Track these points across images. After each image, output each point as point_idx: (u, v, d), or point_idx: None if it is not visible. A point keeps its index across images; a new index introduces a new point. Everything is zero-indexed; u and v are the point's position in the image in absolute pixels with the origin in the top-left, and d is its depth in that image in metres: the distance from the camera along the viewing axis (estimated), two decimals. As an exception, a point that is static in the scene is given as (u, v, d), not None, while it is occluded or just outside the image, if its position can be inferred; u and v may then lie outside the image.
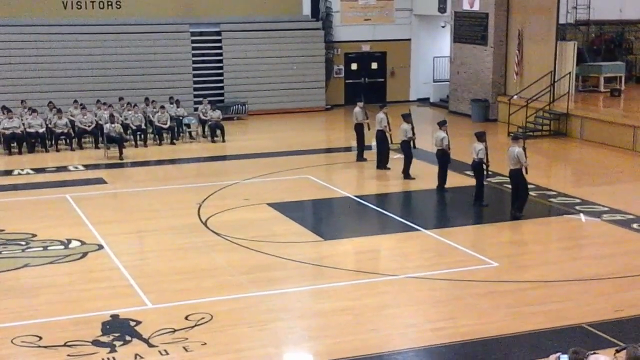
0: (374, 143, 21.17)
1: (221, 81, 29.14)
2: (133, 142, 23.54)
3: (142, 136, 23.77)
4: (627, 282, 12.59)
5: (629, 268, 13.12)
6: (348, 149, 23.12)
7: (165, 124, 24.13)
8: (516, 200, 16.17)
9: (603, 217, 16.03)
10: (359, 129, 21.29)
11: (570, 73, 25.11)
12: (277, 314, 11.67)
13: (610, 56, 28.75)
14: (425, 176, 19.06)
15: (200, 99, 26.62)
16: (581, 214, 16.33)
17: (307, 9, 30.62)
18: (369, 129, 21.05)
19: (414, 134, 19.26)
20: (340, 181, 19.67)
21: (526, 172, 16.00)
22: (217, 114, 25.06)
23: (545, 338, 10.60)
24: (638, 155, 21.67)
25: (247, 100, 28.82)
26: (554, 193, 17.96)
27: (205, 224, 15.95)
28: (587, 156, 22.29)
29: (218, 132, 24.55)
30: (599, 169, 20.69)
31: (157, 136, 23.99)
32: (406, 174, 19.36)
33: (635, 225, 15.41)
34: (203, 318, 11.31)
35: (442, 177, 18.25)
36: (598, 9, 28.58)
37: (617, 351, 7.73)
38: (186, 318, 11.31)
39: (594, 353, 7.58)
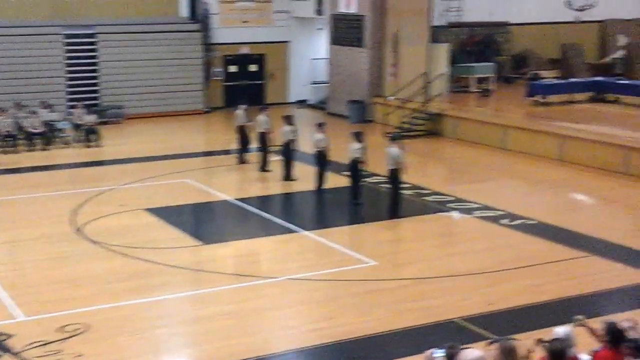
0: (255, 145, 21.18)
1: (96, 84, 28.46)
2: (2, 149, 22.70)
3: (13, 142, 22.95)
4: (498, 276, 13.05)
5: (500, 263, 13.61)
6: (228, 152, 23.03)
7: (38, 129, 23.40)
8: (392, 200, 16.49)
9: (475, 214, 16.57)
10: (241, 131, 21.23)
11: (443, 74, 25.81)
12: (157, 322, 11.52)
13: (481, 57, 29.72)
14: (305, 178, 19.20)
15: (74, 103, 25.95)
16: (454, 211, 16.82)
17: (184, 11, 30.29)
18: (251, 131, 21.02)
19: (295, 136, 19.36)
20: (220, 184, 19.58)
21: (404, 173, 16.34)
22: (92, 118, 24.48)
23: (421, 334, 10.88)
24: (508, 153, 22.51)
25: (123, 103, 28.27)
26: (429, 191, 18.43)
27: (81, 231, 15.56)
28: (460, 155, 22.99)
29: (93, 136, 23.99)
30: (471, 168, 21.36)
31: (29, 142, 23.22)
32: (287, 176, 19.46)
33: (504, 221, 16.00)
34: (79, 328, 11.04)
35: (320, 178, 18.44)
36: (469, 11, 29.55)
37: (489, 344, 7.99)
38: (61, 329, 11.00)
39: (466, 348, 7.80)
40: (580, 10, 29.44)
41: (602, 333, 8.03)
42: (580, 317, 8.35)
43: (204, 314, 11.77)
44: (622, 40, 32.33)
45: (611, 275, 13.06)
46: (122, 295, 12.35)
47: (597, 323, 8.17)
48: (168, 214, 16.79)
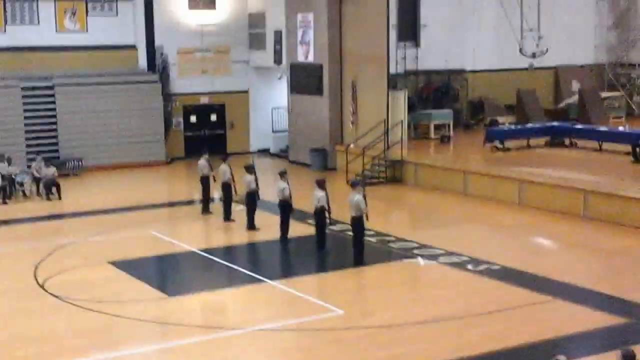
0: (218, 195, 21.12)
1: (55, 137, 28.26)
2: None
3: (-29, 196, 22.67)
4: (466, 322, 13.10)
5: (466, 308, 13.68)
6: (191, 202, 22.95)
7: (-4, 182, 23.16)
8: (356, 247, 16.53)
9: (440, 260, 16.66)
10: (204, 181, 21.18)
11: (402, 121, 26.11)
12: (123, 377, 11.36)
13: (439, 104, 30.15)
14: (268, 226, 19.17)
15: (34, 155, 25.73)
16: (419, 258, 16.91)
17: (143, 62, 30.35)
18: (214, 180, 20.99)
19: (257, 185, 19.39)
20: (184, 235, 19.47)
21: (367, 219, 16.43)
22: (52, 170, 24.25)
23: (391, 382, 10.86)
24: (469, 198, 22.75)
25: (83, 155, 28.07)
26: (393, 238, 18.51)
27: (42, 286, 15.32)
28: (422, 201, 23.17)
29: (54, 189, 23.75)
30: (433, 213, 21.53)
31: (-13, 196, 22.94)
32: (250, 225, 19.42)
33: (469, 267, 16.11)
34: (44, 386, 10.84)
35: (284, 227, 18.43)
36: (425, 59, 30.03)
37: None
38: (26, 388, 10.79)
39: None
40: (533, 57, 30.12)
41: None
42: (562, 357, 8.38)
43: (171, 368, 11.64)
44: (575, 85, 33.11)
45: (576, 318, 13.18)
46: (87, 351, 12.15)
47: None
48: (132, 266, 16.62)
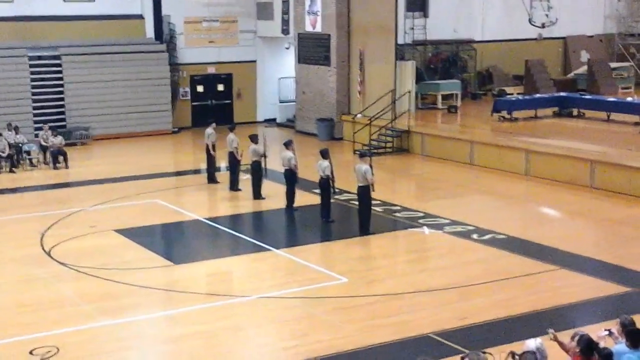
0: (225, 165, 21.12)
1: (62, 106, 28.27)
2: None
3: (-21, 165, 22.74)
4: (470, 290, 13.13)
5: (471, 277, 13.70)
6: (197, 172, 22.97)
7: (4, 151, 23.18)
8: (362, 217, 16.54)
9: (445, 229, 16.67)
10: (210, 150, 21.12)
11: (409, 91, 26.02)
12: (128, 343, 11.45)
13: (447, 74, 30.00)
14: (275, 196, 19.21)
15: (41, 124, 25.78)
16: (424, 227, 16.92)
17: (150, 32, 30.24)
18: (213, 151, 20.91)
19: (265, 154, 19.37)
20: (190, 204, 19.51)
21: (373, 189, 16.42)
22: (59, 139, 24.30)
23: (395, 349, 10.91)
24: (475, 168, 22.71)
25: (90, 125, 28.10)
26: (399, 208, 18.52)
27: (49, 253, 15.41)
28: (429, 171, 23.14)
29: (61, 158, 23.81)
30: (439, 183, 21.51)
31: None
32: (257, 194, 19.44)
33: (474, 236, 16.11)
34: (49, 351, 10.93)
35: (290, 196, 18.45)
36: (434, 29, 29.85)
37: (462, 358, 8.05)
38: (31, 353, 10.89)
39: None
40: (543, 27, 29.90)
41: (572, 346, 8.12)
42: (551, 331, 8.44)
43: (176, 334, 11.71)
44: (584, 56, 32.88)
45: (580, 288, 13.21)
46: (92, 317, 12.24)
47: (567, 337, 8.25)
48: (138, 234, 16.69)
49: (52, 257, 15.19)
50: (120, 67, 28.94)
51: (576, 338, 8.03)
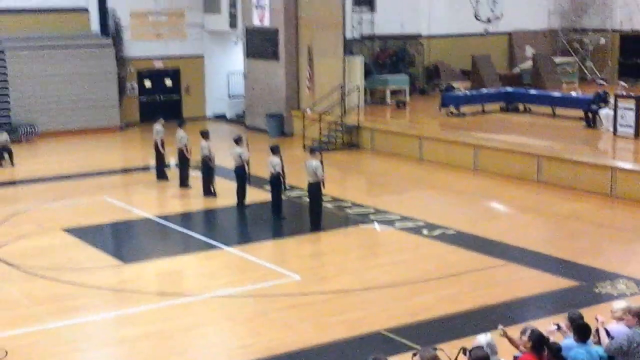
0: (173, 161, 20.96)
1: (7, 102, 27.75)
2: None
3: None
4: (421, 286, 13.28)
5: (422, 273, 13.85)
6: (147, 169, 22.76)
7: (-53, 149, 22.73)
8: (313, 213, 16.59)
9: (395, 225, 16.80)
10: (158, 147, 20.94)
11: (358, 86, 26.12)
12: (78, 345, 11.34)
13: (395, 69, 30.18)
14: (225, 193, 19.14)
15: (-15, 121, 25.32)
16: (375, 223, 17.03)
17: (95, 25, 29.80)
18: (162, 147, 20.74)
19: (213, 151, 19.23)
20: (139, 202, 19.35)
21: (324, 186, 16.46)
22: (4, 136, 23.86)
23: (347, 347, 10.98)
24: (424, 163, 22.92)
25: (36, 121, 27.63)
26: (349, 204, 18.62)
27: (-4, 254, 15.17)
28: (378, 167, 23.28)
29: (6, 156, 23.38)
30: (389, 179, 21.65)
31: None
32: (207, 191, 19.35)
33: (424, 232, 16.28)
34: (-2, 355, 10.77)
35: (241, 193, 18.40)
36: (381, 24, 30.01)
37: (414, 355, 8.13)
38: (-20, 357, 10.71)
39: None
40: (488, 22, 30.26)
41: (522, 341, 8.27)
42: (501, 327, 8.59)
43: (128, 335, 11.62)
44: (529, 51, 33.37)
45: (529, 282, 13.44)
46: (42, 319, 12.09)
47: (517, 332, 8.40)
48: (87, 233, 16.51)
49: (-1, 258, 14.96)
50: (66, 61, 28.49)
51: (527, 333, 8.17)
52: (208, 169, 19.32)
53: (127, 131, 29.32)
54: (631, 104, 21.39)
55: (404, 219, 17.20)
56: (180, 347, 11.16)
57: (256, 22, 28.81)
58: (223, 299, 12.91)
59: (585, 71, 33.03)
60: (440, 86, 30.49)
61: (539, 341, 8.05)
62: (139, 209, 18.40)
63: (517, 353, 8.52)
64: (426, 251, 15.26)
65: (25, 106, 27.75)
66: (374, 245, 16.23)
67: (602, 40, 33.06)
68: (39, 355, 10.88)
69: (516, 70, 32.60)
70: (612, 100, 22.53)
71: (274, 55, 28.21)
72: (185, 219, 17.99)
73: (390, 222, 16.99)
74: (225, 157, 20.07)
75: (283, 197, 17.69)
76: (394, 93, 28.81)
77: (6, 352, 10.84)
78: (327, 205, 17.70)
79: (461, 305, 12.34)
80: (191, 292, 13.27)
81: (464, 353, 8.38)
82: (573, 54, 33.23)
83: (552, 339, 8.52)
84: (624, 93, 22.54)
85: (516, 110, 26.74)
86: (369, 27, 29.68)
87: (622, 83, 24.14)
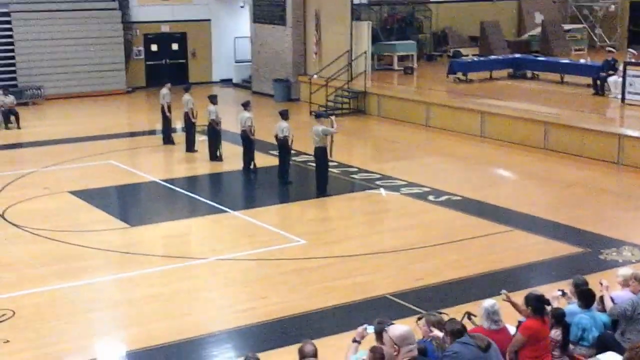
0: (181, 126, 20.91)
1: (13, 64, 27.70)
2: None
3: None
4: (426, 252, 13.29)
5: (427, 238, 13.85)
6: (153, 132, 22.74)
7: (-47, 111, 22.74)
8: (319, 178, 16.57)
9: (401, 191, 16.78)
10: (165, 111, 20.87)
11: (365, 52, 25.96)
12: (85, 305, 11.40)
13: (403, 35, 29.97)
14: (232, 157, 19.12)
15: (-9, 84, 25.28)
16: (381, 189, 17.02)
17: (102, -12, 29.65)
18: (169, 111, 20.73)
19: (220, 115, 19.18)
20: (146, 165, 19.36)
21: (331, 154, 16.36)
22: (10, 99, 23.85)
23: (352, 310, 11.02)
24: (431, 130, 22.84)
25: (42, 84, 27.59)
26: (356, 169, 18.59)
27: (2, 215, 15.20)
28: (385, 133, 23.21)
29: (12, 118, 23.37)
30: (396, 145, 21.60)
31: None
32: (213, 156, 19.33)
33: (431, 198, 16.26)
34: (4, 315, 10.84)
35: (247, 157, 18.38)
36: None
37: (418, 319, 8.17)
38: (-13, 316, 10.79)
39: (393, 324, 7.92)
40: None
41: (524, 310, 8.28)
42: (504, 292, 8.60)
43: (134, 297, 11.68)
44: (538, 17, 33.09)
45: (534, 248, 13.43)
46: (48, 280, 12.15)
47: (521, 297, 8.41)
48: (93, 196, 16.53)
49: (5, 219, 14.99)
50: (72, 24, 28.39)
51: (529, 296, 8.17)
52: (215, 133, 19.29)
53: (134, 95, 29.26)
54: (640, 71, 21.24)
55: (410, 184, 17.17)
56: (185, 309, 11.21)
57: (263, -14, 28.57)
58: (228, 262, 12.95)
59: (595, 38, 32.77)
60: (448, 52, 30.30)
61: (537, 302, 8.03)
62: (145, 173, 18.41)
63: (521, 318, 8.54)
64: (432, 217, 15.24)
65: (32, 69, 27.72)
66: (380, 211, 16.21)
67: (612, 7, 32.76)
68: (47, 316, 10.94)
69: (525, 37, 32.35)
70: (621, 67, 22.35)
71: (281, 20, 28.02)
72: (191, 182, 18.00)
73: (396, 188, 16.97)
74: (231, 121, 20.01)
75: (289, 161, 17.65)
76: (401, 59, 28.63)
77: (13, 313, 10.91)
78: (333, 170, 17.68)
79: (466, 270, 12.35)
80: (197, 256, 13.31)
81: (469, 318, 8.41)
82: (582, 20, 32.95)
83: (556, 304, 8.53)
84: (633, 60, 22.37)
85: (524, 77, 26.56)
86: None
87: (632, 50, 23.91)
